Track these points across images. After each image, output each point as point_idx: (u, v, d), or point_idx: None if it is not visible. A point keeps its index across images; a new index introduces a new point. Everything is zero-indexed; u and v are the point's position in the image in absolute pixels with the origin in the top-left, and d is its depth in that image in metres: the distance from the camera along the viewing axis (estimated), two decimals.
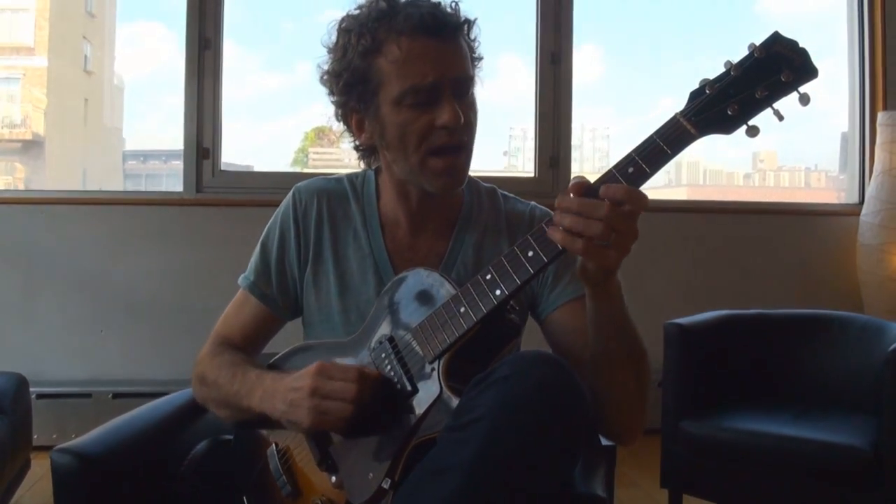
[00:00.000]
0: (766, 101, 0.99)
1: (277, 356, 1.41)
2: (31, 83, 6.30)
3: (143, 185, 4.82)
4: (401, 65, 1.21)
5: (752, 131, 1.01)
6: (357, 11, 1.26)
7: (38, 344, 3.06)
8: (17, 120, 6.42)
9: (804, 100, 0.99)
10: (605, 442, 1.38)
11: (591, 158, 6.26)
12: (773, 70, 0.97)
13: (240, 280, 1.45)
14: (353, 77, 1.25)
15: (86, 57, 7.33)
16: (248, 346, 1.44)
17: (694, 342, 2.39)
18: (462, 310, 1.13)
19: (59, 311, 3.09)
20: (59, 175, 6.77)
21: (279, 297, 1.42)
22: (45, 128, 6.79)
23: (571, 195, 1.01)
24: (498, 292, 1.10)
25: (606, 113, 4.63)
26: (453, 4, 1.25)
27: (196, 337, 1.49)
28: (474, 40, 1.29)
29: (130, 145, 5.38)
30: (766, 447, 2.12)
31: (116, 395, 2.99)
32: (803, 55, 0.98)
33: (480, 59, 1.31)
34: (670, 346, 2.38)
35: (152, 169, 5.31)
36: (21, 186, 7.02)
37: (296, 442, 1.30)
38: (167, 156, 4.31)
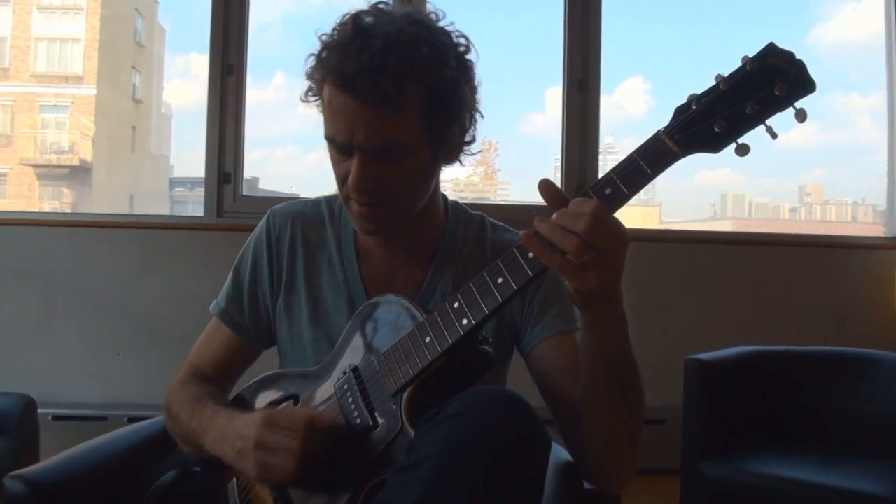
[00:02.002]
0: (758, 117, 0.91)
1: (246, 386, 1.36)
2: (80, 111, 6.48)
3: (190, 212, 4.89)
4: (325, 109, 1.16)
5: (742, 150, 0.92)
6: (328, 35, 1.19)
7: (55, 366, 3.07)
8: (65, 146, 6.61)
9: (800, 116, 0.90)
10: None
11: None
12: (766, 84, 0.89)
13: (211, 307, 1.40)
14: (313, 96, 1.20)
15: (134, 86, 7.53)
16: (220, 376, 1.40)
17: (715, 379, 2.28)
18: (427, 340, 1.07)
19: (77, 334, 3.10)
20: (106, 200, 6.93)
21: (251, 325, 1.38)
22: (93, 154, 6.96)
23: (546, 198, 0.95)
24: (465, 322, 1.03)
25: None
26: (401, 63, 1.09)
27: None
28: (439, 103, 1.14)
29: (178, 172, 5.47)
30: (786, 494, 2.00)
31: (132, 419, 2.97)
32: (799, 67, 0.89)
33: (443, 122, 1.17)
34: (690, 383, 2.27)
35: (199, 196, 5.43)
36: (68, 210, 7.19)
37: None
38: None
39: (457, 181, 4.69)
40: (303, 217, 1.37)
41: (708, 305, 3.38)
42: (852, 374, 2.32)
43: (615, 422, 1.11)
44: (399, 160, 1.15)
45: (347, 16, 1.16)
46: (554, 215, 0.93)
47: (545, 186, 0.95)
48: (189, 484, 1.36)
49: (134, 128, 7.54)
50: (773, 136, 0.92)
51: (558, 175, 3.55)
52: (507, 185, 4.74)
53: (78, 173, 6.73)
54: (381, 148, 1.13)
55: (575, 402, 1.14)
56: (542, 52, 3.54)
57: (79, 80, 6.19)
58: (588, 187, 0.97)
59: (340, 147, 1.15)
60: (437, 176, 1.27)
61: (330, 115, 1.14)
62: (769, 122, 0.92)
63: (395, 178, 1.16)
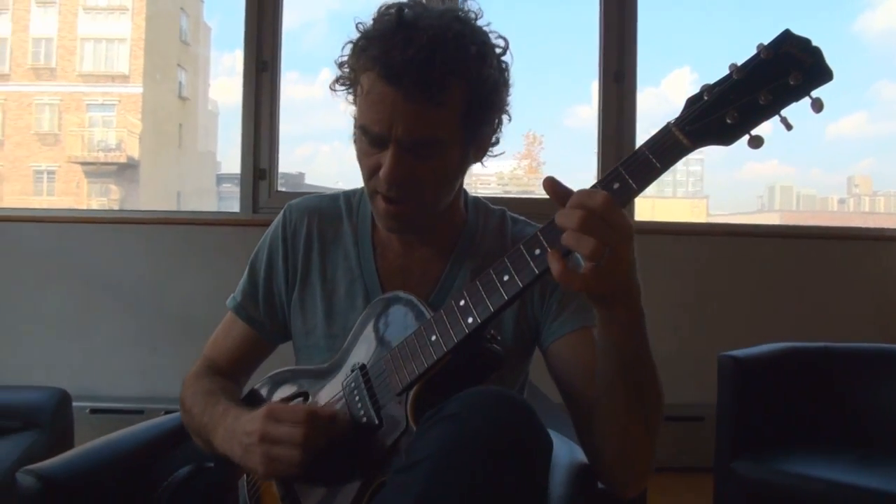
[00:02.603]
0: (772, 108, 0.87)
1: (259, 383, 1.36)
2: (126, 109, 6.60)
3: (237, 207, 5.00)
4: (363, 99, 1.13)
5: (755, 142, 0.88)
6: (367, 26, 1.17)
7: (94, 360, 3.13)
8: (112, 144, 6.74)
9: (817, 106, 0.86)
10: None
11: (684, 183, 6.05)
12: (781, 73, 0.85)
13: (228, 301, 1.40)
14: (346, 83, 1.19)
15: (180, 84, 7.65)
16: (235, 370, 1.40)
17: (750, 376, 2.21)
18: (433, 338, 1.05)
19: (115, 329, 3.15)
20: (154, 197, 7.06)
21: (267, 320, 1.37)
22: (140, 152, 7.09)
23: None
24: (470, 320, 1.01)
25: None
26: (447, 60, 1.08)
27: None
28: (479, 103, 1.14)
29: (225, 168, 5.54)
30: (823, 496, 1.93)
31: (169, 412, 3.01)
32: (816, 55, 0.85)
33: (480, 122, 1.17)
34: (724, 381, 2.21)
35: None
36: (116, 207, 7.34)
37: None
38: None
39: (501, 175, 4.66)
40: (319, 212, 1.36)
41: (751, 300, 3.30)
42: (893, 371, 2.24)
43: (631, 422, 1.07)
44: (432, 156, 1.13)
45: (388, 7, 1.14)
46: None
47: (550, 185, 0.92)
48: (202, 480, 1.36)
49: (180, 125, 7.67)
50: (788, 127, 0.88)
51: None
52: None
53: (125, 170, 6.87)
54: (417, 142, 1.11)
55: (590, 401, 1.10)
56: (586, 44, 3.50)
57: (125, 78, 6.30)
58: (596, 181, 0.93)
59: (375, 138, 1.13)
60: (464, 174, 1.25)
61: (368, 105, 1.12)
62: (784, 112, 0.88)
63: (425, 174, 1.14)
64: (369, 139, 1.13)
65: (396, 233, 1.25)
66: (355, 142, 1.18)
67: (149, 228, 3.23)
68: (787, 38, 0.86)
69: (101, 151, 6.48)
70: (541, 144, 4.37)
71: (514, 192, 4.58)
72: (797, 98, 0.86)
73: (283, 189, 3.38)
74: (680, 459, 2.90)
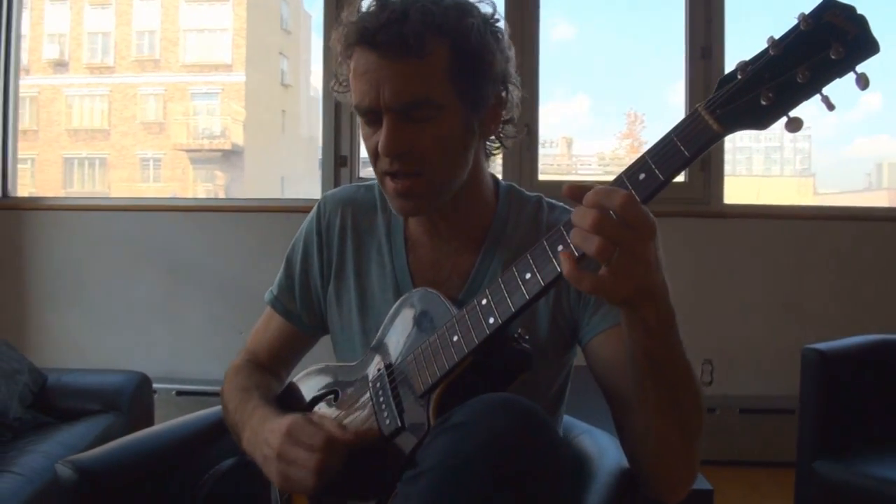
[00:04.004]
0: (811, 87, 0.76)
1: (297, 376, 1.34)
2: (230, 97, 6.82)
3: None
4: (353, 78, 1.09)
5: (794, 125, 0.77)
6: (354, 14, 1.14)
7: (180, 343, 3.22)
8: (216, 131, 6.98)
9: (862, 82, 0.74)
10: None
11: (791, 161, 5.77)
12: (821, 46, 0.74)
13: (265, 295, 1.38)
14: (342, 76, 1.15)
15: (282, 71, 7.84)
16: (275, 363, 1.38)
17: (836, 371, 2.03)
18: (455, 339, 0.99)
19: (202, 313, 3.23)
20: (258, 182, 7.27)
21: (304, 313, 1.34)
22: (244, 138, 7.32)
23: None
24: (491, 320, 0.94)
25: (809, 113, 4.23)
26: (423, 14, 1.05)
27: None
28: (465, 59, 1.08)
29: None
30: None
31: None
32: (861, 24, 0.73)
33: (472, 82, 1.10)
34: (807, 375, 2.04)
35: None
36: (222, 193, 7.60)
37: None
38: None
39: (602, 155, 4.53)
40: (353, 203, 1.31)
41: (852, 288, 3.06)
42: None
43: (666, 426, 0.98)
44: (426, 118, 1.07)
45: None
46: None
47: (570, 193, 0.84)
48: (243, 474, 1.35)
49: (283, 111, 7.87)
50: (830, 107, 0.76)
51: None
52: None
53: (230, 157, 7.11)
54: (408, 104, 1.06)
55: (628, 400, 1.02)
56: (678, 19, 3.34)
57: (228, 67, 6.50)
58: (621, 172, 0.85)
59: (368, 112, 1.08)
60: (477, 150, 1.18)
61: (356, 81, 1.08)
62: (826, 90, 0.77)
63: (426, 141, 1.08)
64: (365, 118, 1.09)
65: (410, 214, 1.19)
66: (361, 127, 1.13)
67: (234, 216, 3.30)
68: (829, 5, 0.75)
69: (206, 139, 6.71)
70: (642, 123, 4.23)
71: (615, 172, 4.44)
72: (840, 74, 0.74)
73: (364, 176, 3.39)
74: (769, 453, 2.75)
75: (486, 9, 1.12)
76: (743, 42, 3.22)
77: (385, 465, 1.05)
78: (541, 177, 3.09)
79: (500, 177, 1.30)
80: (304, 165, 6.79)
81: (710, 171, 3.06)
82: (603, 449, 1.26)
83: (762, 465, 2.68)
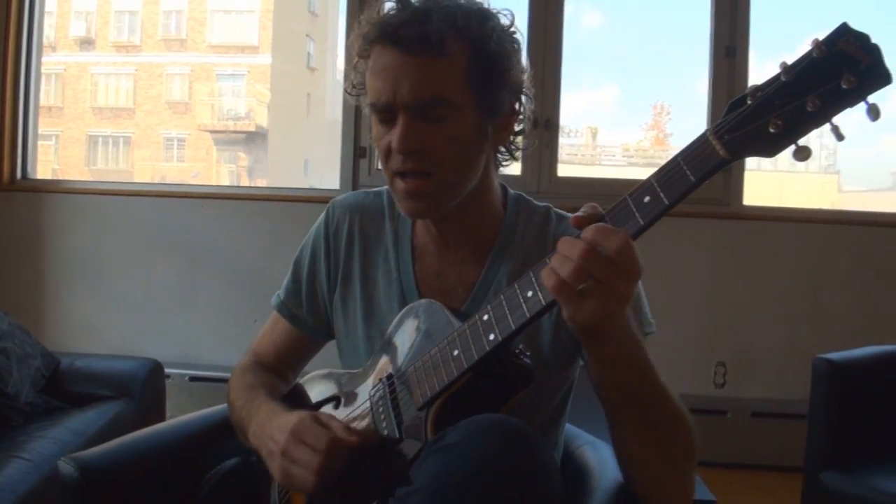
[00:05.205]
0: (821, 116, 0.74)
1: (303, 379, 1.34)
2: (255, 79, 6.82)
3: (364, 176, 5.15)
4: (370, 76, 1.08)
5: (802, 153, 0.75)
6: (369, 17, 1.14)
7: (196, 330, 3.23)
8: (241, 113, 6.99)
9: (873, 112, 0.72)
10: None
11: (817, 157, 5.68)
12: (833, 74, 0.72)
13: (272, 299, 1.39)
14: (357, 78, 1.15)
15: (309, 54, 7.83)
16: (280, 366, 1.38)
17: (847, 381, 2.00)
18: (455, 353, 0.98)
19: (218, 300, 3.24)
20: (281, 165, 7.29)
21: (310, 318, 1.34)
22: (269, 120, 7.33)
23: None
24: (492, 337, 0.94)
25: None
26: (445, 15, 1.06)
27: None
28: (483, 61, 1.08)
29: None
30: None
31: None
32: (874, 54, 0.71)
33: (488, 85, 1.11)
34: (818, 385, 2.01)
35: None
36: (244, 175, 7.63)
37: None
38: None
39: (626, 146, 4.48)
40: (362, 209, 1.31)
41: (869, 295, 3.01)
42: None
43: (644, 451, 0.98)
44: (441, 118, 1.07)
45: None
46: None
47: (577, 224, 0.84)
48: (245, 473, 1.36)
49: (308, 95, 7.86)
50: (839, 137, 0.74)
51: None
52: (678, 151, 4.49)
53: (254, 138, 7.12)
54: (425, 102, 1.05)
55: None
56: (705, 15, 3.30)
57: (254, 49, 6.50)
58: (626, 194, 0.83)
59: (384, 110, 1.08)
60: (487, 157, 1.17)
61: (373, 78, 1.08)
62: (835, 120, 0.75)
63: (439, 141, 1.07)
64: (380, 116, 1.08)
65: (418, 216, 1.18)
66: (373, 127, 1.12)
67: (254, 204, 3.30)
68: (843, 32, 0.72)
69: (231, 120, 6.72)
70: (668, 115, 4.18)
71: (640, 163, 4.41)
72: (850, 104, 0.72)
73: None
74: (780, 457, 2.73)
75: (504, 20, 1.12)
76: (768, 42, 3.17)
77: (382, 473, 1.05)
78: (560, 171, 3.04)
79: (518, 170, 1.28)
80: (327, 149, 6.78)
81: (731, 172, 3.02)
82: (604, 462, 1.25)
83: (773, 469, 2.66)
